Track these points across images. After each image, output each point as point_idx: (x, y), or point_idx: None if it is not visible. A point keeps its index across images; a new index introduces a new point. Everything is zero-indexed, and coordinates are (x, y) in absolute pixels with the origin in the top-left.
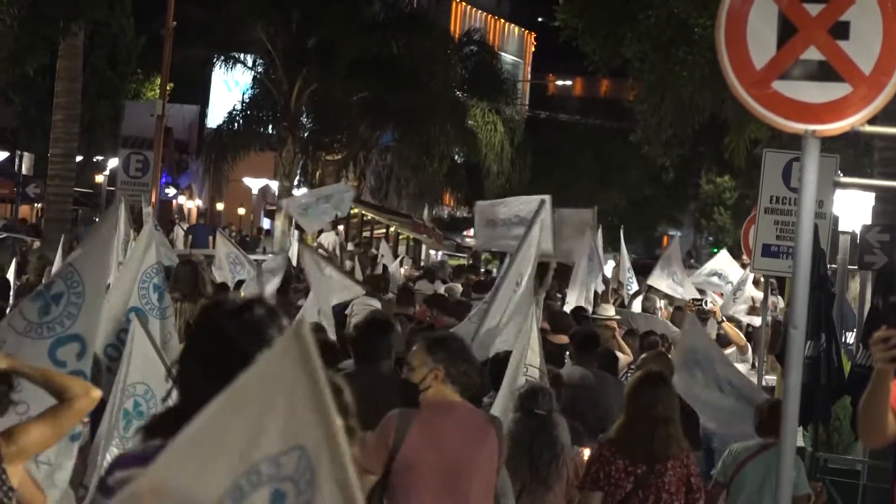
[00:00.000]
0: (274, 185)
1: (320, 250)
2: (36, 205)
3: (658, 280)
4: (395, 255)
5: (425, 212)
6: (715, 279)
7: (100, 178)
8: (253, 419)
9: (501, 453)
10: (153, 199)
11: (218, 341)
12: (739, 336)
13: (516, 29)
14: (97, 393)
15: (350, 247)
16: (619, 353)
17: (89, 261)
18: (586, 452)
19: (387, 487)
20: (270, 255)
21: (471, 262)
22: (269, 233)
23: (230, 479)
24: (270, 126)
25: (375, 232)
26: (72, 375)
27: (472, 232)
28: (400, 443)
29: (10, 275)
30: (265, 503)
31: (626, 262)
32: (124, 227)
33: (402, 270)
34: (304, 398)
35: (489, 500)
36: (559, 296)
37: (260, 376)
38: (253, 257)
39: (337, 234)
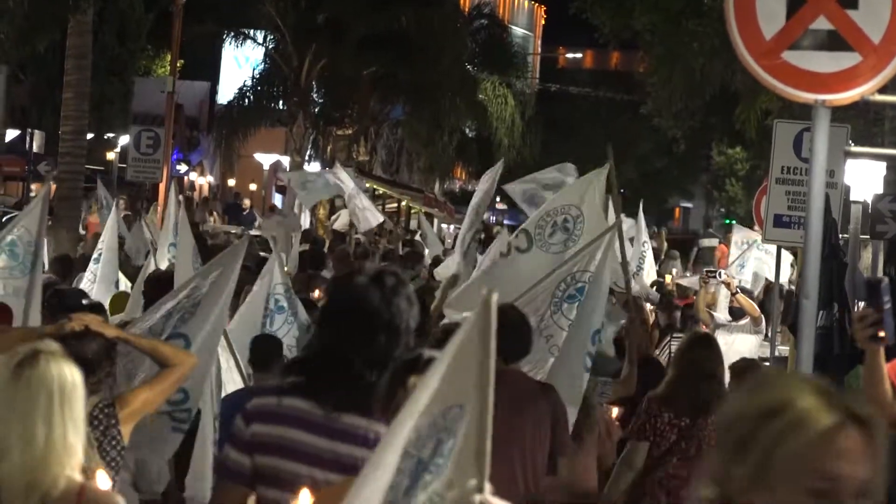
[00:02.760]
0: (285, 161)
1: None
2: None
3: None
4: (410, 230)
5: (436, 185)
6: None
7: (111, 156)
8: (438, 378)
9: (556, 418)
10: (164, 176)
11: (352, 306)
12: (753, 307)
13: (526, 2)
14: (195, 359)
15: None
16: None
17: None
18: (615, 411)
19: None
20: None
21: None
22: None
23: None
24: (281, 102)
25: (387, 206)
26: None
27: None
28: None
29: None
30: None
31: (644, 236)
32: (174, 209)
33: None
34: (473, 361)
35: (538, 464)
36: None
37: (451, 344)
38: (254, 232)
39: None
